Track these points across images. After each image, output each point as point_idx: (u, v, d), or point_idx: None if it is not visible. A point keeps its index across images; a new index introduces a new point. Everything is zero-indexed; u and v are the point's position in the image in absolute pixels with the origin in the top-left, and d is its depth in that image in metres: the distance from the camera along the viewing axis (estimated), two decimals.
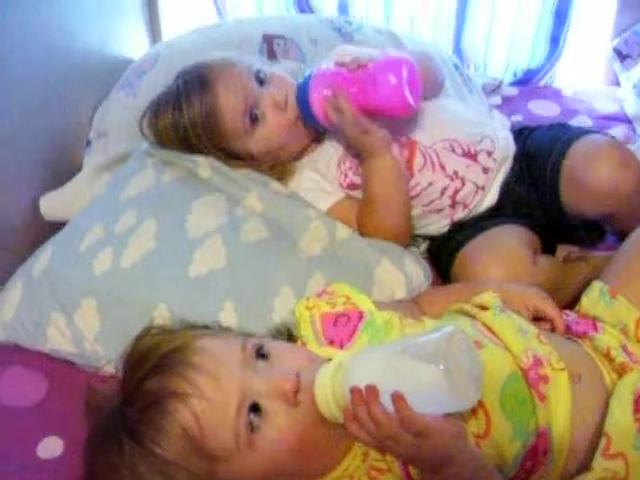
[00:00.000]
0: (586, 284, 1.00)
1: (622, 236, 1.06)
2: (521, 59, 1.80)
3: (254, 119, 1.14)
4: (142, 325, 0.83)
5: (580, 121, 1.58)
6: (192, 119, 1.13)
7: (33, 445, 0.97)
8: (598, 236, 1.24)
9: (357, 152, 1.15)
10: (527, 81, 1.80)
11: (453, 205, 1.19)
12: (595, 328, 0.89)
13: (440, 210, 1.20)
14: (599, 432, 0.78)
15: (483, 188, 1.19)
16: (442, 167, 1.17)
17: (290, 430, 0.72)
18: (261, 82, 1.15)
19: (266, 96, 1.14)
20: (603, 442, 0.76)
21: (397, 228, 1.14)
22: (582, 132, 1.20)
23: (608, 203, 1.11)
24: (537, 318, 0.92)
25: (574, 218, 1.17)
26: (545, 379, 0.78)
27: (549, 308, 0.92)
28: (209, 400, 0.71)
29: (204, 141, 1.15)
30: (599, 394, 0.82)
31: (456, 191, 1.18)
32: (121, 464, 0.72)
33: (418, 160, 1.17)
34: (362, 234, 1.15)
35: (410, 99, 1.05)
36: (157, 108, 1.17)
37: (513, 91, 1.73)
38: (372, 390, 0.66)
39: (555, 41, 1.76)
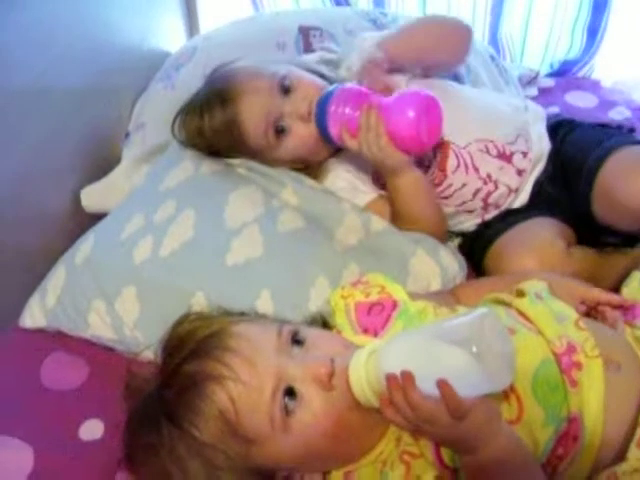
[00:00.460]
0: (625, 276, 0.98)
1: None
2: (559, 50, 1.78)
3: (280, 131, 1.14)
4: (180, 312, 0.85)
5: (619, 112, 1.55)
6: (216, 134, 1.16)
7: (75, 427, 1.00)
8: (631, 241, 1.18)
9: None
10: (564, 72, 1.78)
11: (485, 207, 1.19)
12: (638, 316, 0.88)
13: (472, 211, 1.20)
14: (635, 422, 0.77)
15: (516, 190, 1.18)
16: (476, 169, 1.16)
17: (325, 414, 0.73)
18: (287, 90, 1.14)
19: (290, 108, 1.13)
20: (638, 432, 0.76)
21: (429, 232, 1.13)
22: (623, 142, 1.15)
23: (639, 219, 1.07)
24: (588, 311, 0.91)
25: (604, 227, 1.14)
26: (578, 365, 0.78)
27: (597, 293, 0.91)
28: (245, 383, 0.73)
29: (230, 151, 1.18)
30: (637, 384, 0.81)
31: (488, 194, 1.17)
32: (160, 446, 0.74)
33: (451, 162, 1.15)
34: None
35: (425, 137, 1.03)
36: (185, 115, 1.20)
37: (550, 82, 1.71)
38: (408, 375, 0.66)
39: (594, 32, 1.73)
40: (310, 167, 1.22)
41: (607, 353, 0.80)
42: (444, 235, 1.18)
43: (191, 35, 1.84)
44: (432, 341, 0.69)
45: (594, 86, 1.68)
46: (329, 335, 0.86)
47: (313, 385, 0.73)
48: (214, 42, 1.54)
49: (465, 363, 0.66)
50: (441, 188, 1.17)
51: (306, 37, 1.52)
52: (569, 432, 0.77)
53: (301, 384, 0.74)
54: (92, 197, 1.33)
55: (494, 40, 1.79)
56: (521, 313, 0.86)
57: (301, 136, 1.14)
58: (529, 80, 1.68)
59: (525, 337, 0.81)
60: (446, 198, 1.17)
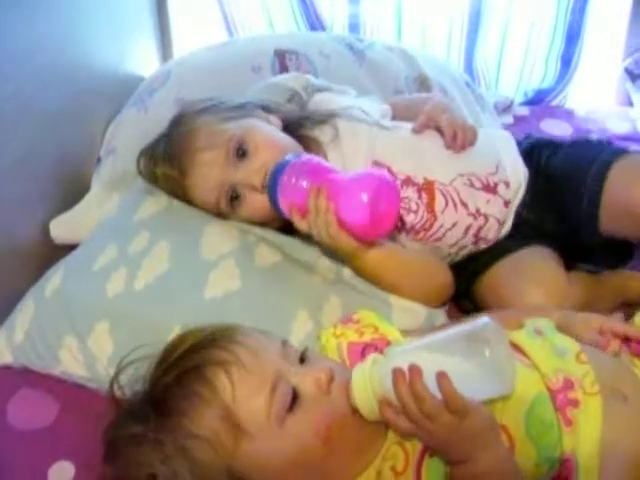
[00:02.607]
0: (618, 295, 1.04)
1: None
2: (533, 79, 1.81)
3: (234, 197, 1.08)
4: (157, 348, 0.81)
5: None
6: (166, 189, 1.14)
7: (44, 469, 0.96)
8: (616, 261, 1.20)
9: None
10: (538, 101, 1.81)
11: (476, 242, 1.16)
12: None
13: (464, 247, 1.16)
14: None
15: (504, 223, 1.17)
16: (464, 205, 1.13)
17: (320, 414, 0.74)
18: (243, 154, 1.07)
19: (243, 176, 1.06)
20: None
21: (432, 291, 1.06)
22: (615, 152, 1.15)
23: None
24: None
25: (611, 240, 1.13)
26: (575, 403, 0.77)
27: (614, 322, 0.88)
28: (248, 370, 0.74)
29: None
30: None
31: (479, 228, 1.14)
32: (143, 437, 0.73)
33: (439, 201, 1.12)
34: None
35: (378, 224, 0.95)
36: (144, 157, 1.16)
37: (524, 111, 1.73)
38: (415, 369, 0.68)
39: (567, 62, 1.77)
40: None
41: (613, 384, 0.79)
42: (441, 292, 1.08)
43: (165, 60, 1.82)
44: (438, 344, 0.72)
45: (568, 115, 1.71)
46: (326, 358, 0.87)
47: (312, 387, 0.75)
48: (188, 66, 1.53)
49: (473, 365, 0.68)
50: (432, 231, 1.13)
51: (282, 60, 1.51)
52: (561, 473, 0.75)
53: (301, 385, 0.75)
54: (62, 227, 1.29)
55: (469, 67, 1.80)
56: (515, 346, 0.84)
57: (255, 206, 1.08)
58: (504, 107, 1.70)
59: (519, 371, 0.78)
60: (438, 240, 1.14)
